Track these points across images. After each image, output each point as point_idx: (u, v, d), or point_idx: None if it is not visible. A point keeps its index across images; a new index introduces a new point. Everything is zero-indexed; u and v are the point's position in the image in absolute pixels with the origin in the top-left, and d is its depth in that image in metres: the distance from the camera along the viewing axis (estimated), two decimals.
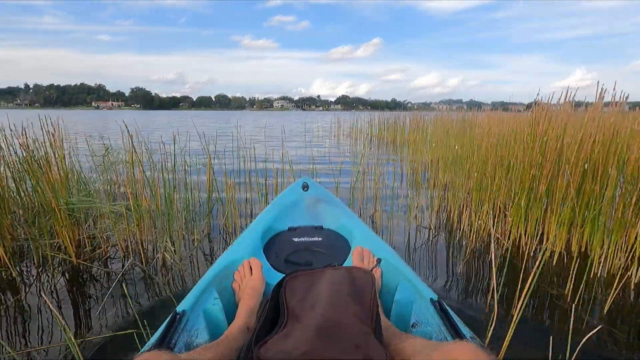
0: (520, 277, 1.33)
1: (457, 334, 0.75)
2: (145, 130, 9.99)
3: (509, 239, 2.06)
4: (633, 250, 1.68)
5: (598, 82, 1.91)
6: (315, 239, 1.28)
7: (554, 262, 1.83)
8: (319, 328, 0.58)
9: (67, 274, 1.70)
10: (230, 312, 0.91)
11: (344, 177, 3.58)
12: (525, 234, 2.03)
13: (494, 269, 1.17)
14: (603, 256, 1.74)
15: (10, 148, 2.02)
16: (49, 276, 1.67)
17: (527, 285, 1.09)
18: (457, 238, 2.22)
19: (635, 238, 1.67)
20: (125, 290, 1.49)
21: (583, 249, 1.89)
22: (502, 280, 1.52)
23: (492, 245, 1.92)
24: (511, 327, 1.07)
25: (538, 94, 2.16)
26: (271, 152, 4.16)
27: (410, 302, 0.93)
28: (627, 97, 1.90)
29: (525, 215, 2.01)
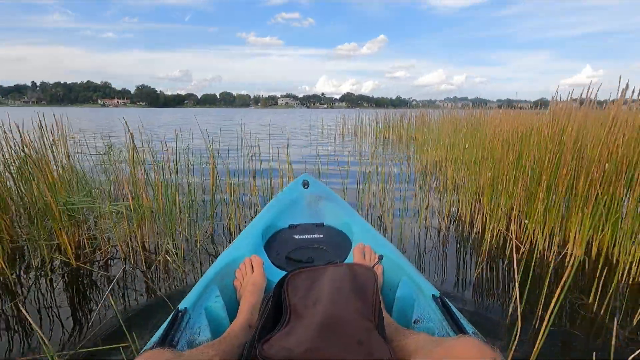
0: (544, 285, 1.24)
1: (459, 330, 0.75)
2: (149, 128, 9.97)
3: (525, 242, 1.97)
4: None
5: (621, 78, 1.80)
6: (316, 236, 1.29)
7: (574, 267, 1.73)
8: (322, 325, 0.57)
9: (66, 277, 1.64)
10: (232, 310, 0.91)
11: (350, 177, 3.50)
12: (543, 238, 1.94)
13: (516, 279, 1.08)
14: (628, 262, 1.64)
15: (7, 146, 1.97)
16: (46, 279, 1.61)
17: (557, 296, 1.00)
18: (470, 241, 2.13)
19: None
20: (126, 296, 1.42)
21: (604, 254, 1.79)
22: (521, 287, 1.43)
23: (513, 251, 1.82)
24: (539, 341, 0.98)
25: (557, 92, 2.06)
26: (275, 151, 4.09)
27: (412, 298, 0.93)
28: None
29: (544, 217, 1.92)
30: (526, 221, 2.02)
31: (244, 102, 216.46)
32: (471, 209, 2.43)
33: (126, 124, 1.86)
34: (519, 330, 1.05)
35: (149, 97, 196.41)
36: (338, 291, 0.66)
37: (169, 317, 0.78)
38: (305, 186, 1.53)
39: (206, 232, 2.19)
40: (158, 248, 1.83)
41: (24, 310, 0.99)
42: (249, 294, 0.92)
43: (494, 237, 2.02)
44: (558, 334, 1.28)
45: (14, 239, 1.93)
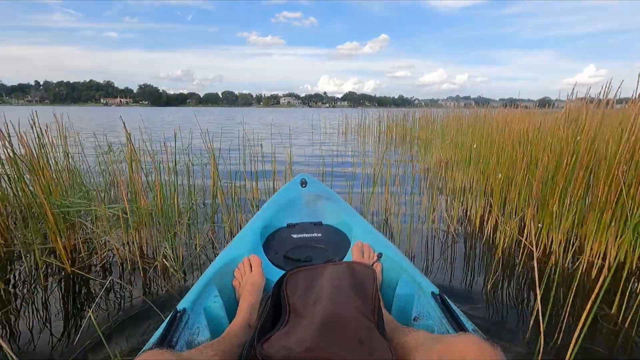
0: (559, 292, 1.16)
1: (459, 327, 0.75)
2: (151, 128, 9.93)
3: (539, 247, 1.88)
4: None
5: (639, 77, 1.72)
6: (315, 235, 1.29)
7: (592, 274, 1.65)
8: (322, 323, 0.57)
9: (60, 283, 1.57)
10: (231, 310, 0.91)
11: (355, 179, 3.42)
12: (558, 243, 1.85)
13: (538, 292, 1.00)
14: None
15: (3, 146, 1.89)
16: (39, 285, 1.54)
17: (587, 310, 0.92)
18: (481, 246, 2.05)
19: None
20: (122, 303, 1.35)
21: (628, 260, 1.70)
22: (532, 294, 1.35)
23: (533, 261, 1.73)
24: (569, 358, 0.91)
25: (573, 91, 1.97)
26: (277, 151, 4.02)
27: (411, 296, 0.93)
28: None
29: (559, 221, 1.83)
30: (540, 225, 1.94)
31: (246, 101, 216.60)
32: (481, 211, 2.34)
33: (124, 124, 1.78)
34: (541, 348, 0.97)
35: (151, 96, 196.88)
36: (337, 290, 0.66)
37: (168, 318, 0.77)
38: (304, 185, 1.52)
39: (207, 234, 2.12)
40: (156, 252, 1.76)
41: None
42: (247, 294, 0.91)
43: (506, 242, 1.94)
44: (580, 349, 1.20)
45: (8, 243, 1.86)
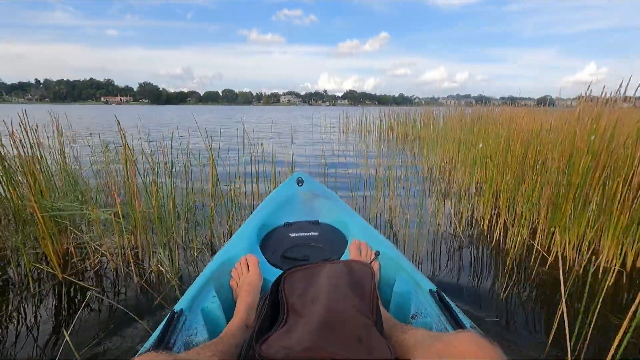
0: (571, 298, 1.08)
1: (457, 324, 0.75)
2: (148, 127, 9.85)
3: (552, 252, 1.81)
4: None
5: None
6: (312, 233, 1.28)
7: (611, 281, 1.58)
8: (321, 323, 0.57)
9: (50, 290, 1.50)
10: (229, 310, 0.90)
11: (357, 180, 3.35)
12: (571, 247, 1.78)
13: (563, 301, 0.93)
14: None
15: None
16: (28, 293, 1.47)
17: (624, 328, 0.84)
18: (489, 250, 1.97)
19: None
20: (115, 311, 1.28)
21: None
22: (545, 300, 1.27)
23: (559, 270, 1.64)
24: None
25: (589, 90, 1.89)
26: (277, 151, 3.94)
27: (409, 293, 0.93)
28: None
29: (574, 225, 1.75)
30: (552, 228, 1.87)
31: (246, 99, 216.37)
32: (489, 214, 2.27)
33: (118, 123, 1.70)
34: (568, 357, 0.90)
35: (151, 95, 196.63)
36: (335, 288, 0.66)
37: (165, 319, 0.76)
38: (300, 184, 1.51)
39: (206, 236, 2.05)
40: (151, 258, 1.69)
41: None
42: (245, 294, 0.91)
43: (516, 246, 1.86)
44: None
45: None
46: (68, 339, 0.93)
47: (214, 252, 1.90)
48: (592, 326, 1.10)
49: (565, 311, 0.94)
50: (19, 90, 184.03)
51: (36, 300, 1.43)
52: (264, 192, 2.52)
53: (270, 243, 1.24)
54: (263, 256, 1.15)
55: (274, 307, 0.69)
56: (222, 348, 0.67)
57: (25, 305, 1.39)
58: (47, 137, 2.56)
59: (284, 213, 1.39)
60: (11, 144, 1.67)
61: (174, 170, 2.07)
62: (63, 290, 1.51)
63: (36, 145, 1.71)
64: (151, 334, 0.75)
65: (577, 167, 1.73)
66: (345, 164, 4.24)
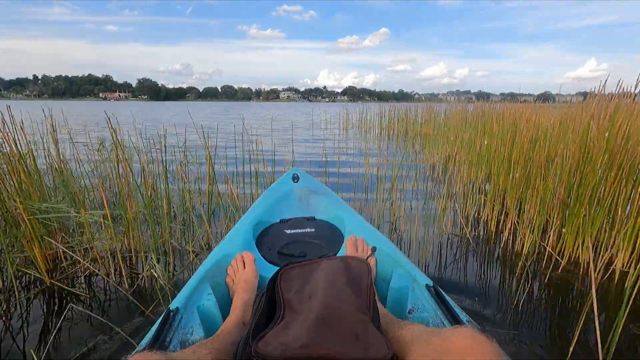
0: (584, 305, 1.00)
1: (453, 319, 0.75)
2: (144, 124, 9.75)
3: (565, 255, 1.73)
4: None
5: None
6: (308, 230, 1.27)
7: (627, 286, 1.50)
8: (318, 319, 0.56)
9: (39, 297, 1.42)
10: (225, 308, 0.90)
11: (359, 178, 3.27)
12: (584, 250, 1.70)
13: (595, 314, 0.84)
14: None
15: None
16: (13, 299, 1.39)
17: None
18: (498, 253, 1.89)
19: None
20: (105, 318, 1.20)
21: None
22: (559, 307, 1.20)
23: (577, 274, 1.55)
24: None
25: (603, 86, 1.80)
26: (277, 150, 3.85)
27: (405, 289, 0.93)
28: None
29: (590, 227, 1.67)
30: (564, 230, 1.79)
31: (245, 95, 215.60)
32: (497, 215, 2.18)
33: (109, 120, 1.61)
34: None
35: (150, 91, 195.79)
36: (332, 285, 0.66)
37: (160, 318, 0.76)
38: (295, 180, 1.50)
39: (202, 238, 1.96)
40: (144, 262, 1.60)
41: None
42: (241, 291, 0.90)
43: (527, 249, 1.78)
44: None
45: None
46: (52, 349, 0.84)
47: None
48: (618, 337, 1.02)
49: (597, 323, 0.85)
50: (17, 86, 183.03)
51: (22, 306, 1.35)
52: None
53: (266, 240, 1.23)
54: (259, 253, 1.14)
55: (270, 303, 0.68)
56: (219, 346, 0.66)
57: (10, 312, 1.31)
58: (41, 135, 2.47)
59: (279, 210, 1.38)
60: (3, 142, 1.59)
61: (170, 169, 1.98)
62: (50, 296, 1.43)
63: (23, 142, 1.61)
64: (143, 341, 0.70)
65: (592, 165, 1.65)
66: (346, 162, 4.15)
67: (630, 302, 0.99)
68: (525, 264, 1.69)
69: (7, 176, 1.49)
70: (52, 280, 1.49)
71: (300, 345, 0.52)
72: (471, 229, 2.14)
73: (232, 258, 1.04)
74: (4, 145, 1.54)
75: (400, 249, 1.43)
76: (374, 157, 4.07)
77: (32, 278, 1.52)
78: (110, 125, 1.59)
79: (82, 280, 1.54)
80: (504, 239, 1.97)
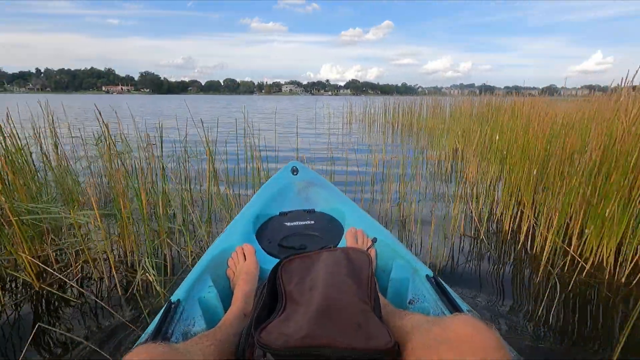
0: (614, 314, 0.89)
1: (454, 308, 0.75)
2: (144, 118, 9.65)
3: (588, 258, 1.62)
4: None
5: None
6: (308, 222, 1.28)
7: None
8: (319, 310, 0.57)
9: (29, 302, 1.33)
10: (226, 299, 0.90)
11: (366, 175, 3.16)
12: (609, 252, 1.59)
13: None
14: None
15: None
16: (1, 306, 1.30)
17: None
18: (513, 254, 1.79)
19: None
20: (97, 327, 1.11)
21: None
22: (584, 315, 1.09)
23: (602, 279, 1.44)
24: None
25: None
26: (281, 146, 3.74)
27: (406, 279, 0.94)
28: None
29: (616, 229, 1.56)
30: (587, 231, 1.67)
31: (247, 88, 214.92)
32: (512, 213, 2.07)
33: (100, 114, 1.51)
34: None
35: (152, 84, 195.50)
36: (333, 276, 0.66)
37: (162, 310, 0.76)
38: (295, 173, 1.50)
39: (203, 237, 1.86)
40: (137, 265, 1.51)
41: None
42: (242, 283, 0.91)
43: (547, 251, 1.68)
44: None
45: None
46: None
47: None
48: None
49: None
50: (20, 80, 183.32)
51: (7, 312, 1.26)
52: None
53: (266, 232, 1.24)
54: (259, 245, 1.14)
55: (271, 295, 0.68)
56: (221, 337, 0.67)
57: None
58: (37, 130, 2.37)
59: (279, 202, 1.38)
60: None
61: (170, 166, 1.88)
62: (39, 301, 1.34)
63: (7, 138, 1.51)
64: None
65: (619, 162, 1.53)
66: (352, 160, 4.04)
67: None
68: (546, 267, 1.58)
69: None
70: (41, 285, 1.40)
71: (302, 336, 0.52)
72: (484, 229, 2.03)
73: (232, 250, 1.04)
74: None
75: (411, 249, 1.33)
76: (379, 152, 3.95)
77: (21, 282, 1.44)
78: (102, 120, 1.49)
79: (75, 285, 1.45)
80: (520, 239, 1.86)
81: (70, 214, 1.35)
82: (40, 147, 2.07)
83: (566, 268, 1.58)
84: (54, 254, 1.53)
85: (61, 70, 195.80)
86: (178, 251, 1.69)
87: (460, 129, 4.54)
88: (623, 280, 1.49)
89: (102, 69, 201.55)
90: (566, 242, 1.74)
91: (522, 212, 2.07)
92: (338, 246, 1.12)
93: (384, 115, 8.89)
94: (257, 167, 2.50)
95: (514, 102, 4.03)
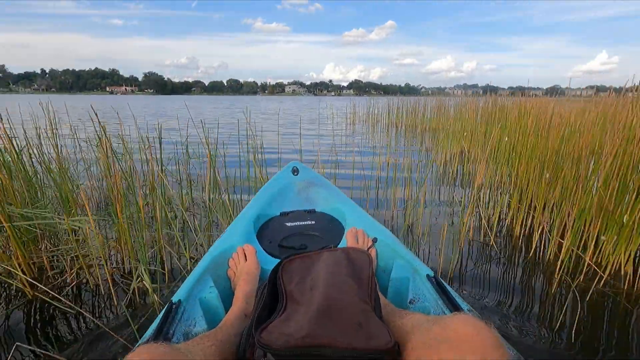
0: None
1: (454, 308, 0.75)
2: (146, 119, 9.64)
3: (605, 266, 1.54)
4: None
5: None
6: (308, 222, 1.28)
7: None
8: (319, 310, 0.56)
9: (22, 311, 1.28)
10: (227, 300, 0.90)
11: (371, 180, 3.10)
12: (627, 259, 1.52)
13: None
14: None
15: None
16: None
17: None
18: (525, 261, 1.71)
19: None
20: (89, 338, 1.05)
21: None
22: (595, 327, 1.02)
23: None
24: None
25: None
26: (284, 148, 3.69)
27: (406, 279, 0.94)
28: None
29: (637, 235, 1.48)
30: (603, 237, 1.60)
31: (251, 89, 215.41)
32: (522, 218, 1.99)
33: (96, 115, 1.45)
34: None
35: (156, 85, 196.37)
36: (334, 275, 0.66)
37: (163, 310, 0.76)
38: (295, 173, 1.50)
39: (202, 244, 1.81)
40: (134, 272, 1.45)
41: None
42: (243, 283, 0.91)
43: (562, 258, 1.60)
44: None
45: None
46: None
47: None
48: None
49: None
50: (26, 80, 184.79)
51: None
52: None
53: (267, 233, 1.24)
54: (260, 246, 1.14)
55: (272, 295, 0.68)
56: (222, 337, 0.67)
57: None
58: (37, 131, 2.34)
59: (280, 202, 1.38)
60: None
61: (170, 168, 1.83)
62: (34, 308, 1.29)
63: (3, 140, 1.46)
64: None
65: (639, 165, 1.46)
66: (357, 162, 3.98)
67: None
68: (560, 276, 1.51)
69: None
70: (35, 293, 1.35)
71: (303, 336, 0.52)
72: (494, 234, 1.96)
73: (233, 251, 1.04)
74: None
75: (419, 256, 1.27)
76: (384, 155, 3.88)
77: (14, 289, 1.39)
78: (98, 122, 1.44)
79: (70, 292, 1.39)
80: (532, 245, 1.79)
81: (64, 219, 1.29)
82: (41, 148, 2.03)
83: (582, 277, 1.51)
84: (49, 260, 1.48)
85: (66, 71, 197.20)
86: (177, 257, 1.64)
87: (466, 130, 4.46)
88: None
89: (106, 69, 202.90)
90: (580, 248, 1.67)
91: (533, 217, 2.00)
92: (339, 246, 1.12)
93: (388, 115, 8.82)
94: (259, 173, 2.44)
95: (520, 103, 3.95)
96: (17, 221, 1.41)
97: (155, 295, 1.30)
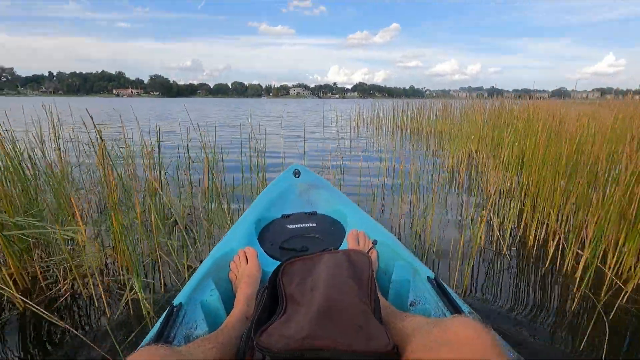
0: None
1: (455, 310, 0.75)
2: (151, 122, 9.65)
3: (629, 279, 1.45)
4: None
5: None
6: (310, 224, 1.28)
7: None
8: (320, 311, 0.57)
9: (14, 321, 1.23)
10: (228, 302, 0.90)
11: (377, 187, 3.02)
12: None
13: None
14: None
15: None
16: None
17: None
18: (540, 273, 1.63)
19: None
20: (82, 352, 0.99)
21: None
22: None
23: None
24: None
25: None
26: (288, 152, 3.63)
27: (407, 281, 0.93)
28: None
29: None
30: (624, 249, 1.51)
31: (255, 92, 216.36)
32: (537, 227, 1.91)
33: (91, 118, 1.40)
34: None
35: (162, 87, 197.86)
36: (334, 277, 0.66)
37: (164, 313, 0.76)
38: (297, 175, 1.50)
39: (200, 254, 1.74)
40: (127, 283, 1.39)
41: None
42: (244, 286, 0.91)
43: (576, 268, 1.52)
44: None
45: None
46: None
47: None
48: None
49: None
50: (34, 83, 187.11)
51: None
52: None
53: (268, 235, 1.24)
54: (261, 248, 1.14)
55: (272, 297, 0.68)
56: (223, 340, 0.67)
57: None
58: (35, 136, 2.30)
59: (281, 205, 1.38)
60: None
61: (170, 173, 1.77)
62: (26, 320, 1.23)
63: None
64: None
65: None
66: (363, 168, 3.91)
67: None
68: (580, 290, 1.42)
69: None
70: (26, 304, 1.29)
71: (303, 337, 0.52)
72: (506, 244, 1.88)
73: (234, 254, 1.04)
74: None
75: (427, 264, 1.20)
76: (390, 161, 3.81)
77: (6, 298, 1.33)
78: (94, 124, 1.38)
79: (64, 302, 1.34)
80: (548, 256, 1.71)
81: (57, 228, 1.23)
82: (39, 153, 1.99)
83: (603, 292, 1.42)
84: (42, 271, 1.42)
85: (73, 74, 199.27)
86: (174, 266, 1.57)
87: (474, 134, 4.37)
88: None
89: (113, 72, 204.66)
90: (599, 259, 1.58)
91: (547, 226, 1.91)
92: (340, 248, 1.12)
93: (393, 118, 8.74)
94: (261, 179, 2.38)
95: (529, 106, 3.86)
96: (10, 229, 1.35)
97: (148, 305, 1.23)
